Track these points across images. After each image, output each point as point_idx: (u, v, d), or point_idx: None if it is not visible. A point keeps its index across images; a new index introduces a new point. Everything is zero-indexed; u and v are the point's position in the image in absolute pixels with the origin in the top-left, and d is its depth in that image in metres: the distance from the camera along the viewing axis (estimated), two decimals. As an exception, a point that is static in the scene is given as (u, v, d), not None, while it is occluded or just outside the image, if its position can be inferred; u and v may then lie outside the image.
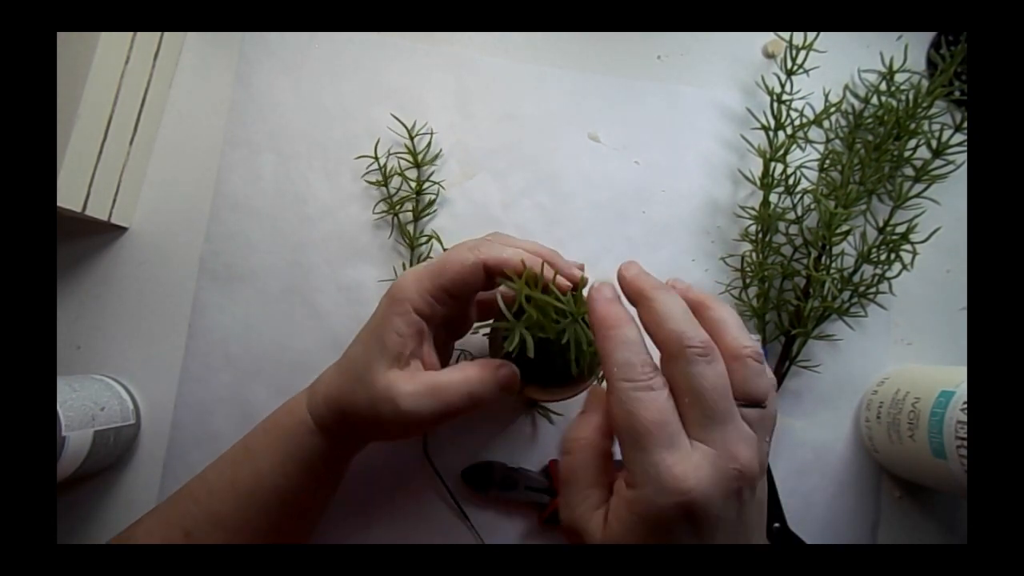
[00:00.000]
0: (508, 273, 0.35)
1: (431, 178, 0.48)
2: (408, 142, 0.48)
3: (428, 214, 0.48)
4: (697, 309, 0.31)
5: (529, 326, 0.35)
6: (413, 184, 0.48)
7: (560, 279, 0.35)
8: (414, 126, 0.48)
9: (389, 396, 0.34)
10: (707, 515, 0.26)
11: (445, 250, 0.39)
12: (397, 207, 0.47)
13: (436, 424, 0.36)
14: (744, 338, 0.30)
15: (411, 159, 0.48)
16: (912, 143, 0.46)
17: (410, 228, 0.48)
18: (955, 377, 0.40)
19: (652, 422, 0.27)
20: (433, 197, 0.48)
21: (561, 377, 0.39)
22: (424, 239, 0.47)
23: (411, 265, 0.47)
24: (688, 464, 0.26)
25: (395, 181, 0.48)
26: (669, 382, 0.29)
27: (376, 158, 0.48)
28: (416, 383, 0.34)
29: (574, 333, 0.34)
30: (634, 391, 0.27)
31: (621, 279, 0.31)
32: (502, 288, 0.37)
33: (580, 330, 0.34)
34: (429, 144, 0.49)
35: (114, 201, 0.46)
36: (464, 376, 0.35)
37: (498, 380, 0.36)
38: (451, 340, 0.42)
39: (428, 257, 0.48)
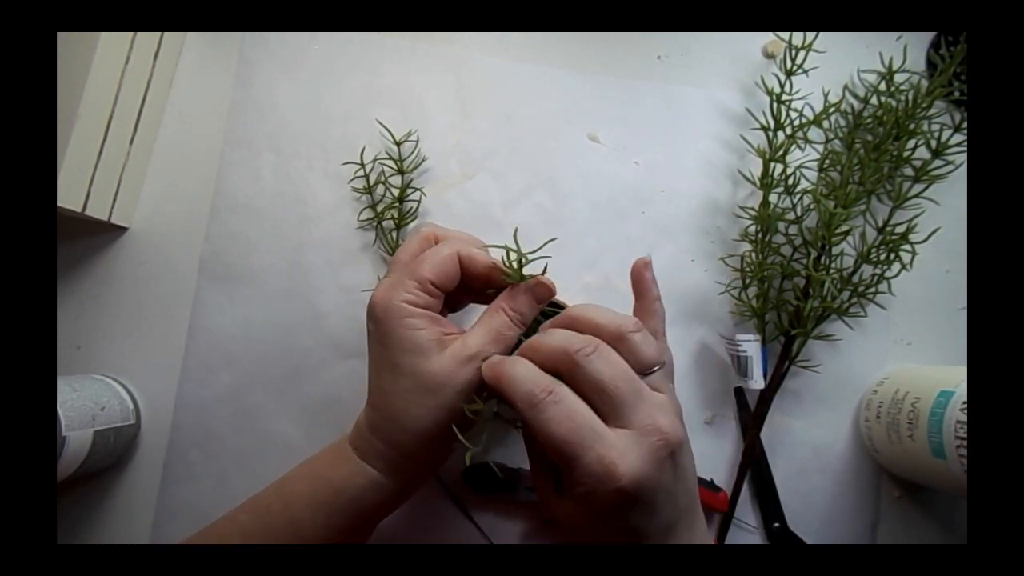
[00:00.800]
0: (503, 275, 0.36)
1: (413, 184, 0.48)
2: (394, 148, 0.48)
3: (409, 221, 0.48)
4: (569, 324, 0.33)
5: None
6: (396, 191, 0.47)
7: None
8: (408, 134, 0.48)
9: (464, 362, 0.34)
10: (647, 490, 0.29)
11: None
12: (381, 215, 0.47)
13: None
14: (616, 318, 0.32)
15: (395, 166, 0.47)
16: (911, 143, 0.46)
17: (393, 236, 0.48)
18: (955, 377, 0.40)
19: (568, 430, 0.29)
20: (414, 205, 0.48)
21: None
22: None
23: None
24: (615, 452, 0.29)
25: (379, 188, 0.48)
26: (577, 392, 0.31)
27: (362, 164, 0.48)
28: (474, 338, 0.35)
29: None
30: (540, 412, 0.30)
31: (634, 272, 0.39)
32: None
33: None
34: (415, 151, 0.48)
35: (114, 201, 0.46)
36: (504, 313, 0.36)
37: (535, 298, 0.37)
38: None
39: None
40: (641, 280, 0.39)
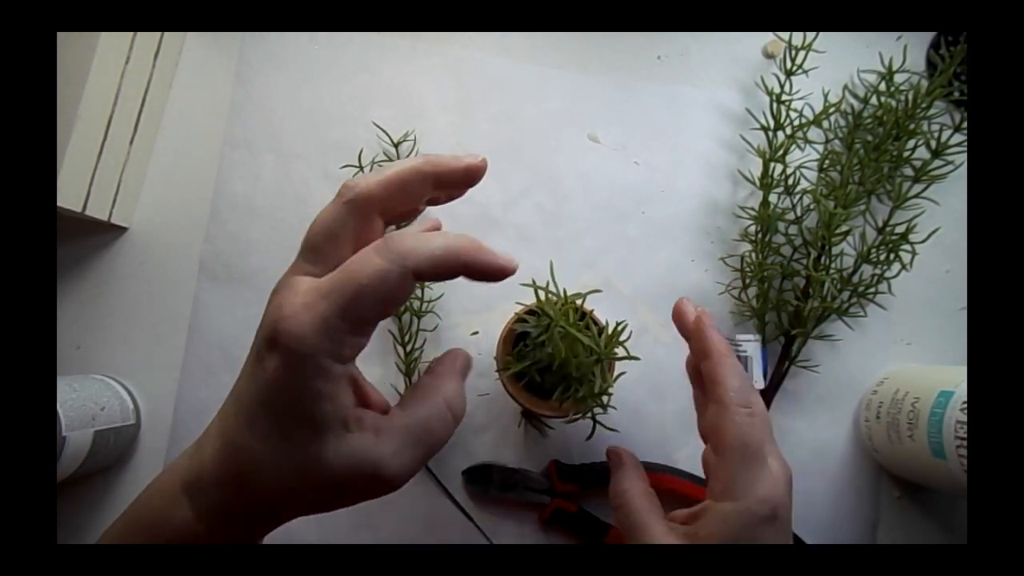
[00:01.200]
0: (539, 305, 0.37)
1: None
2: (392, 150, 0.48)
3: (409, 221, 0.48)
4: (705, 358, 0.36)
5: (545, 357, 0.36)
6: None
7: (594, 315, 0.38)
8: (406, 135, 0.48)
9: (364, 470, 0.26)
10: (786, 515, 0.33)
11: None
12: None
13: (414, 475, 0.28)
14: (744, 394, 0.34)
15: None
16: (911, 143, 0.46)
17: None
18: (954, 377, 0.40)
19: (759, 442, 0.33)
20: None
21: (560, 393, 0.39)
22: None
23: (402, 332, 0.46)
24: (772, 478, 0.32)
25: None
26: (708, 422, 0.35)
27: (360, 167, 0.48)
28: (391, 439, 0.27)
29: (600, 370, 0.36)
30: (749, 416, 0.33)
31: (686, 323, 0.37)
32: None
33: (601, 368, 0.37)
34: (414, 151, 0.48)
35: (114, 201, 0.46)
36: (442, 398, 0.29)
37: (464, 377, 0.31)
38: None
39: None
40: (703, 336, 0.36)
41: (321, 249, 0.27)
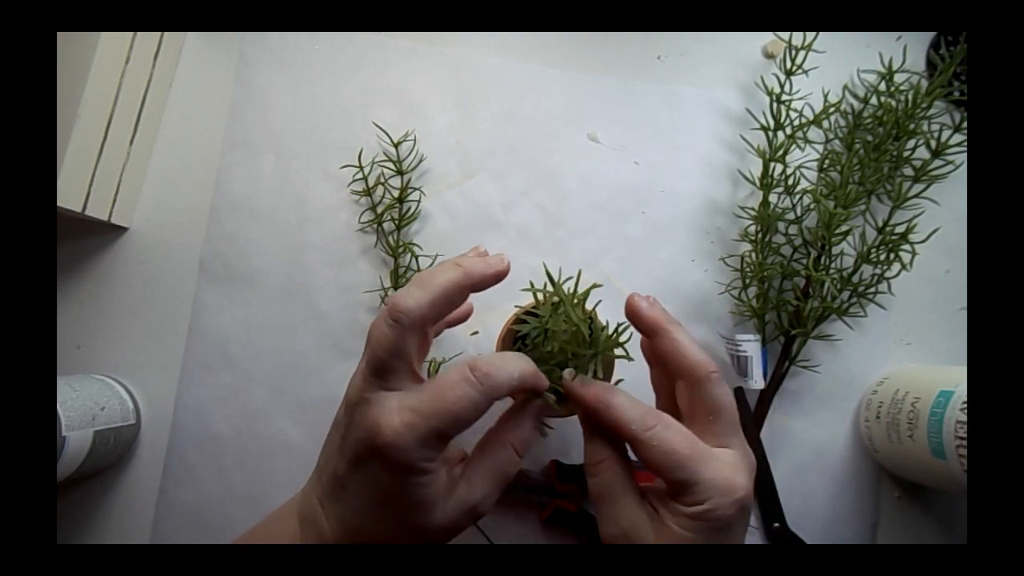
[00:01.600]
0: (536, 302, 0.37)
1: (412, 184, 0.48)
2: (392, 150, 0.48)
3: (409, 222, 0.48)
4: (659, 333, 0.34)
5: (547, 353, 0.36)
6: (396, 192, 0.47)
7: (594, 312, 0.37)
8: (406, 134, 0.48)
9: (465, 515, 0.32)
10: (750, 504, 0.32)
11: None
12: (381, 216, 0.47)
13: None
14: (707, 359, 0.33)
15: (394, 167, 0.47)
16: (911, 143, 0.46)
17: (392, 238, 0.47)
18: (954, 377, 0.40)
19: (686, 447, 0.31)
20: (413, 205, 0.48)
21: (556, 393, 0.38)
22: (403, 249, 0.47)
23: (396, 274, 0.47)
24: (730, 469, 0.31)
25: (379, 189, 0.48)
26: (689, 404, 0.33)
27: (360, 167, 0.48)
28: (479, 484, 0.32)
29: (596, 364, 0.36)
30: (658, 432, 0.31)
31: (637, 312, 0.35)
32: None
33: (596, 363, 0.36)
34: (414, 150, 0.49)
35: (114, 201, 0.46)
36: (508, 441, 0.34)
37: (536, 422, 0.35)
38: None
39: (410, 268, 0.47)
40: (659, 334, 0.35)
41: (393, 369, 0.31)
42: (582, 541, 0.45)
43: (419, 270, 0.47)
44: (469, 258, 0.34)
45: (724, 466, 0.31)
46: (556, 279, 0.37)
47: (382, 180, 0.48)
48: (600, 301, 0.40)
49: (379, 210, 0.47)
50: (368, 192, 0.48)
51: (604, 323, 0.38)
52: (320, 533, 0.33)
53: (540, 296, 0.37)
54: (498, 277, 0.35)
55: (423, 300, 0.31)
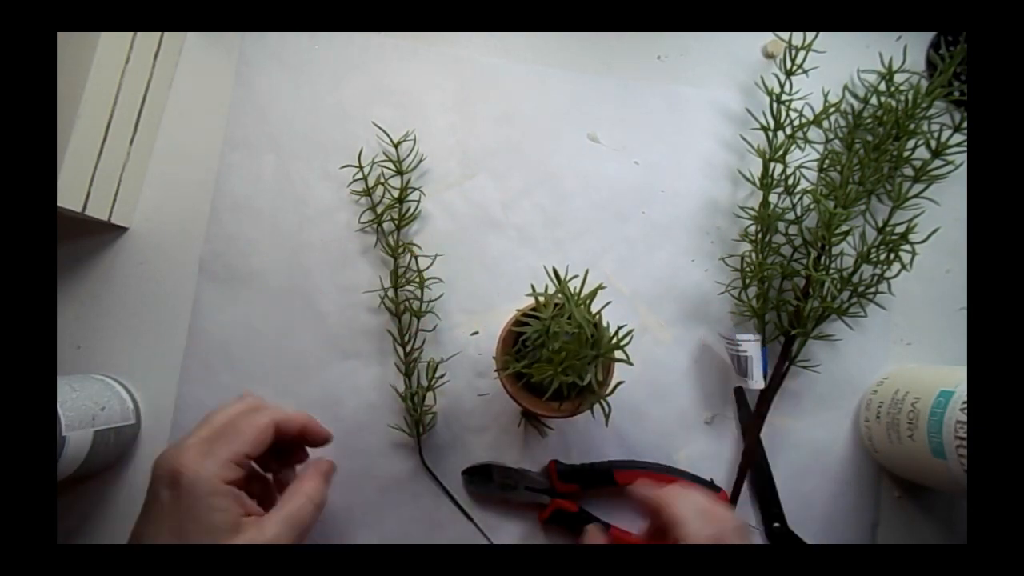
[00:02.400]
0: (537, 304, 0.37)
1: (412, 184, 0.48)
2: (392, 150, 0.48)
3: (410, 221, 0.48)
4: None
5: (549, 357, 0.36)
6: (396, 192, 0.47)
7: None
8: (406, 134, 0.48)
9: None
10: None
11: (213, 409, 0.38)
12: (381, 216, 0.47)
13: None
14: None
15: (394, 167, 0.47)
16: (911, 143, 0.46)
17: (392, 238, 0.47)
18: (954, 377, 0.40)
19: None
20: (413, 205, 0.48)
21: (556, 394, 0.38)
22: (402, 249, 0.47)
23: (395, 274, 0.46)
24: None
25: (379, 189, 0.48)
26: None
27: (360, 167, 0.47)
28: (271, 526, 0.34)
29: (597, 366, 0.36)
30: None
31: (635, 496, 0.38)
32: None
33: (597, 365, 0.36)
34: (414, 150, 0.48)
35: (114, 201, 0.46)
36: (306, 497, 0.37)
37: (327, 478, 0.39)
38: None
39: (409, 268, 0.47)
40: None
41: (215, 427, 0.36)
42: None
43: (419, 271, 0.47)
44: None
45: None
46: (562, 279, 0.37)
47: (382, 180, 0.48)
48: (609, 303, 0.40)
49: (379, 210, 0.47)
50: (368, 192, 0.48)
51: (606, 325, 0.38)
52: None
53: (541, 298, 0.37)
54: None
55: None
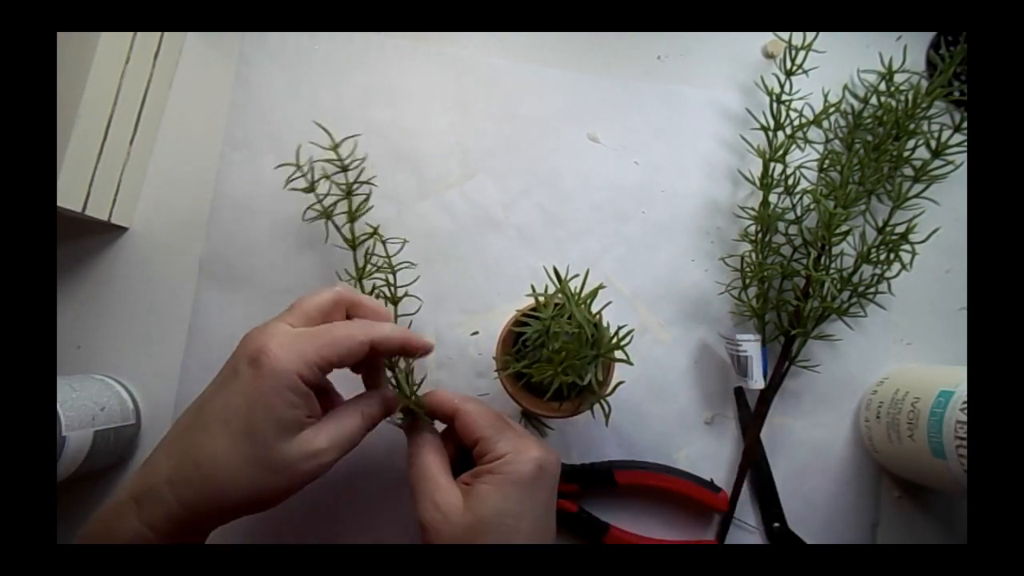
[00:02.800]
0: (536, 304, 0.37)
1: (360, 179, 0.47)
2: (333, 152, 0.46)
3: (363, 212, 0.46)
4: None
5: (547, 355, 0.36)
6: (343, 187, 0.46)
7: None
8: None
9: (307, 457, 0.33)
10: (551, 470, 0.37)
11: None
12: (330, 210, 0.46)
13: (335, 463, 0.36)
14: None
15: (337, 164, 0.46)
16: (911, 143, 0.46)
17: (347, 230, 0.46)
18: (954, 377, 0.40)
19: (492, 419, 0.37)
20: (365, 196, 0.47)
21: (556, 394, 0.38)
22: (364, 236, 0.46)
23: (357, 266, 0.45)
24: (526, 440, 0.37)
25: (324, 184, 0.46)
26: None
27: (299, 166, 0.45)
28: (325, 437, 0.34)
29: (597, 366, 0.36)
30: (472, 407, 0.38)
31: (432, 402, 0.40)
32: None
33: (597, 365, 0.37)
34: (354, 149, 0.47)
35: (114, 201, 0.46)
36: (360, 416, 0.37)
37: (386, 407, 0.39)
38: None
39: (374, 254, 0.46)
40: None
41: (309, 315, 0.37)
42: (583, 542, 0.45)
43: (388, 256, 0.46)
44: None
45: (521, 437, 0.37)
46: (563, 278, 0.37)
47: (326, 175, 0.46)
48: (610, 303, 0.40)
49: (325, 204, 0.46)
50: (312, 188, 0.46)
51: (606, 325, 0.38)
52: (154, 471, 0.33)
53: (542, 298, 0.37)
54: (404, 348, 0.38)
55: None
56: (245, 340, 0.35)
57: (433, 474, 0.36)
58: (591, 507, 0.45)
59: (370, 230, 0.46)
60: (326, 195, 0.46)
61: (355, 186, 0.47)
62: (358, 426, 0.36)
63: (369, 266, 0.46)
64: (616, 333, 0.36)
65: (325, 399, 0.38)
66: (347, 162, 0.46)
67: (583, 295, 0.37)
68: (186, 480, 0.32)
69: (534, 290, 0.38)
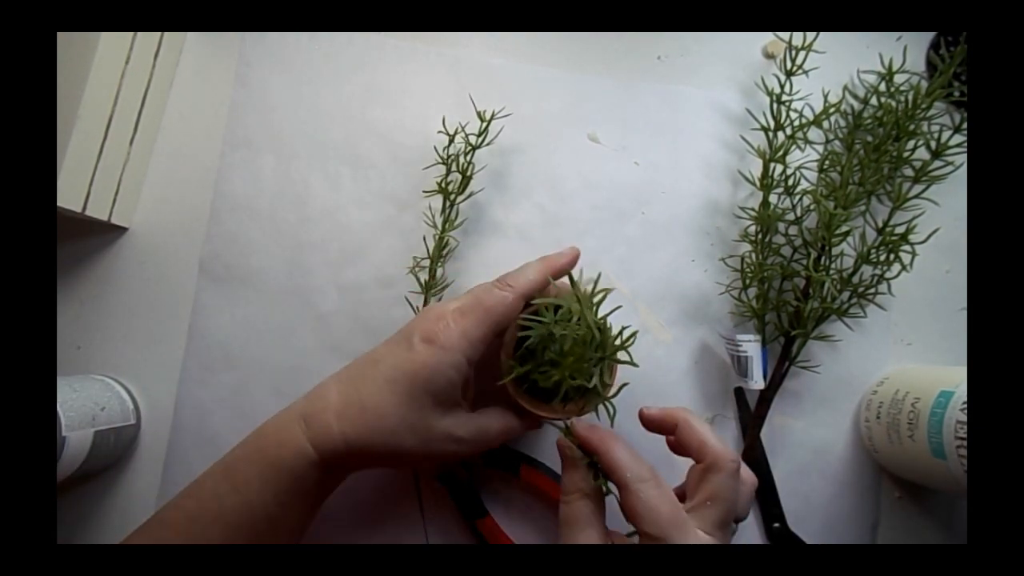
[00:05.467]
0: (539, 308, 0.38)
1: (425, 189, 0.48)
2: (471, 137, 0.47)
3: (458, 226, 0.47)
4: (680, 425, 0.37)
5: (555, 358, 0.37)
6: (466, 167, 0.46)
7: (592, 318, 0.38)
8: (493, 114, 0.47)
9: (449, 440, 0.37)
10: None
11: (469, 289, 0.40)
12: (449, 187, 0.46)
13: (469, 456, 0.40)
14: (731, 451, 0.35)
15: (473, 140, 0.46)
16: (911, 144, 0.46)
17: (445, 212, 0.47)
18: (955, 377, 0.40)
19: (668, 510, 0.32)
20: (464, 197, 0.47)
21: (563, 395, 0.38)
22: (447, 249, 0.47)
23: (438, 249, 0.46)
24: (679, 528, 0.32)
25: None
26: (695, 484, 0.35)
27: (444, 162, 0.47)
28: (470, 427, 0.38)
29: (602, 369, 0.37)
30: (647, 488, 0.33)
31: (650, 417, 0.39)
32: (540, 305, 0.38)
33: (603, 367, 0.37)
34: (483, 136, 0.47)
35: (114, 201, 0.46)
36: (505, 424, 0.40)
37: (525, 429, 0.41)
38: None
39: (444, 278, 0.47)
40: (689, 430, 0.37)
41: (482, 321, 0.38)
42: (458, 512, 0.45)
43: (441, 252, 0.46)
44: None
45: (670, 520, 0.32)
46: (575, 281, 0.37)
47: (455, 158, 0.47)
48: (619, 307, 0.40)
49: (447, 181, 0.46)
50: (443, 189, 0.47)
51: (609, 326, 0.38)
52: (325, 400, 0.37)
53: (546, 300, 0.37)
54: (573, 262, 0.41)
55: (529, 284, 0.39)
56: (426, 313, 0.38)
57: (584, 525, 0.35)
58: (485, 491, 0.46)
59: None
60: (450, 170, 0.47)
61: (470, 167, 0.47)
62: (498, 433, 0.39)
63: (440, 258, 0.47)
64: (620, 334, 0.37)
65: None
66: (479, 141, 0.47)
67: (595, 299, 0.37)
68: (351, 418, 0.36)
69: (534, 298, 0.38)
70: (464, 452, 0.38)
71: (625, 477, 0.34)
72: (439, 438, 0.36)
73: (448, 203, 0.47)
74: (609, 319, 0.38)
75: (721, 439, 0.35)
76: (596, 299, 0.37)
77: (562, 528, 0.35)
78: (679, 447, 0.37)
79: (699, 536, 0.32)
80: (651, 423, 0.39)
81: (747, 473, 0.37)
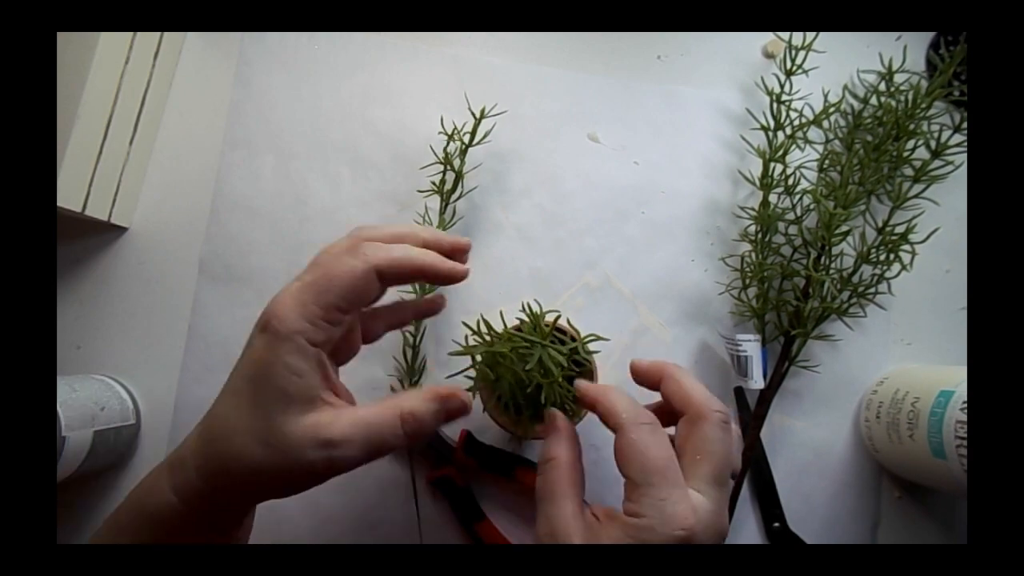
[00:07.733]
0: (514, 331, 0.36)
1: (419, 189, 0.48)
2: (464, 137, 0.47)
3: (451, 226, 0.47)
4: (665, 377, 0.35)
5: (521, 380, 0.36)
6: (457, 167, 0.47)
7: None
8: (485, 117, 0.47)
9: (317, 445, 0.29)
10: (704, 542, 0.30)
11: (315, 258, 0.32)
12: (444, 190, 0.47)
13: (358, 466, 0.30)
14: (714, 399, 0.33)
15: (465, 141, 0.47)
16: (911, 144, 0.46)
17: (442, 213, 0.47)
18: (954, 377, 0.40)
19: (663, 459, 0.30)
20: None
21: (537, 413, 0.38)
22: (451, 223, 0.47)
23: (424, 289, 0.46)
24: (687, 508, 0.29)
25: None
26: (683, 439, 0.32)
27: (444, 162, 0.47)
28: (344, 425, 0.29)
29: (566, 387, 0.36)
30: (643, 433, 0.30)
31: (639, 367, 0.36)
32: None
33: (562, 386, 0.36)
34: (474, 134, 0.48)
35: (114, 201, 0.46)
36: (399, 413, 0.30)
37: (446, 411, 0.32)
38: (334, 366, 0.33)
39: None
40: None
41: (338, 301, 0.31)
42: (455, 516, 0.45)
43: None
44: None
45: (683, 500, 0.29)
46: (536, 314, 0.36)
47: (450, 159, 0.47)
48: (612, 335, 0.40)
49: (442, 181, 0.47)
50: (440, 189, 0.47)
51: (575, 331, 0.38)
52: (186, 441, 0.31)
53: (488, 337, 0.36)
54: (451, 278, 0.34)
55: (389, 255, 0.31)
56: (267, 307, 0.31)
57: (560, 495, 0.32)
58: (479, 492, 0.45)
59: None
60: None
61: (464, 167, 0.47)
62: (390, 426, 0.30)
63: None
64: (584, 341, 0.37)
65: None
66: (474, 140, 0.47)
67: (541, 332, 0.36)
68: (202, 451, 0.30)
69: (474, 321, 0.36)
70: (350, 457, 0.29)
71: (620, 419, 0.31)
72: (300, 444, 0.28)
73: (443, 203, 0.47)
74: (602, 319, 0.38)
75: (707, 391, 0.33)
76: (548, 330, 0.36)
77: (538, 500, 0.32)
78: (666, 402, 0.35)
79: (689, 495, 0.29)
80: (640, 374, 0.36)
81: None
